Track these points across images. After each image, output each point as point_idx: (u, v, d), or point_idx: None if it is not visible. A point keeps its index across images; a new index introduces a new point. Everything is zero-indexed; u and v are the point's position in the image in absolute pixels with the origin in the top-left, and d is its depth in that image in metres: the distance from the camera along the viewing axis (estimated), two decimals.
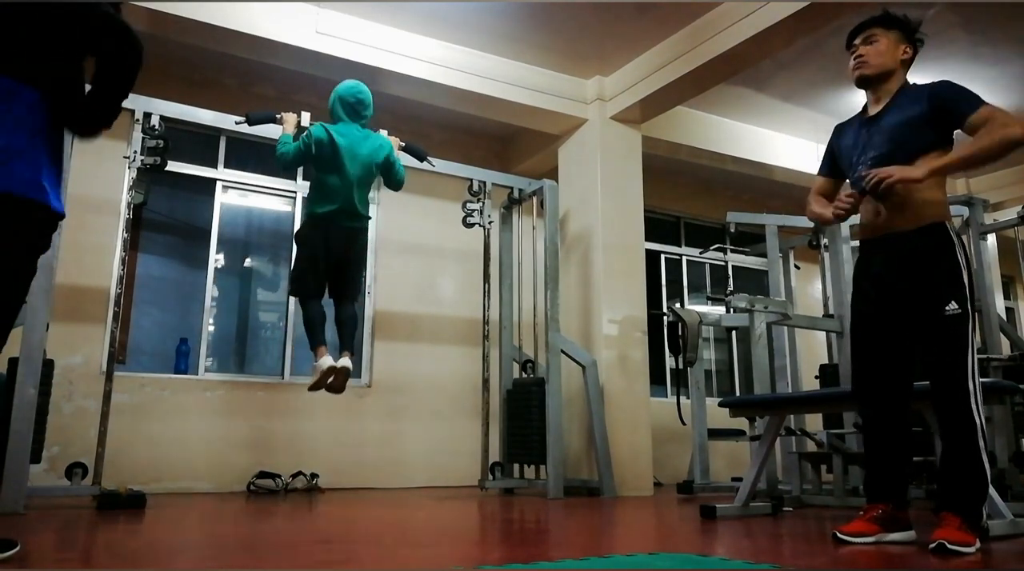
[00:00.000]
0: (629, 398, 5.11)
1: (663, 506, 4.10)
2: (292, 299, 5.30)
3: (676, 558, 2.04)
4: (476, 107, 5.44)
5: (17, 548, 1.87)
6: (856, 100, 5.68)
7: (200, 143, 5.42)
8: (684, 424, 5.33)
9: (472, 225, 5.32)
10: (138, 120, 4.01)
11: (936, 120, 2.39)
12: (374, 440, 5.51)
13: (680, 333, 4.90)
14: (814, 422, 5.17)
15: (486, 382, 5.21)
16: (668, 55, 5.02)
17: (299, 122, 4.29)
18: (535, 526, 3.10)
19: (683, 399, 5.39)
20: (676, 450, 6.13)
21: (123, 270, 3.99)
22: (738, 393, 7.31)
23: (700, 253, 6.90)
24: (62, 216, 1.97)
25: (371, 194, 4.31)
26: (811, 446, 4.63)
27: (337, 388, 3.89)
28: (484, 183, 5.31)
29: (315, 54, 4.70)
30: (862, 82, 2.59)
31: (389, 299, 5.91)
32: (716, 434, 5.40)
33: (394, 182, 4.24)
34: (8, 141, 1.82)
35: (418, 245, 6.10)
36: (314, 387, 3.89)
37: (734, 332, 7.39)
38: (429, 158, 4.82)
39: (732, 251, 6.42)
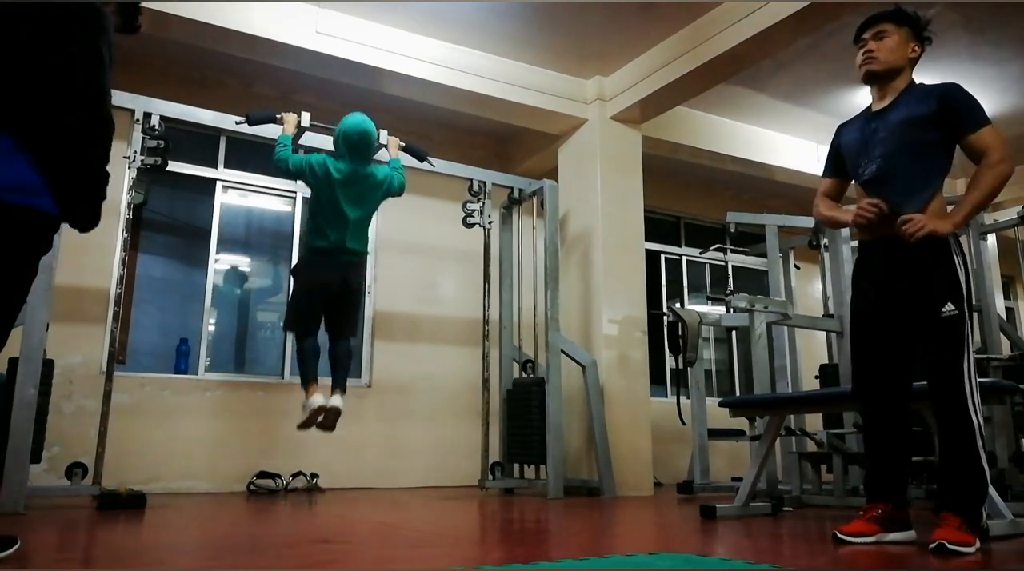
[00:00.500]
0: (629, 398, 5.11)
1: (663, 506, 4.10)
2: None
3: (676, 558, 2.04)
4: (476, 107, 5.44)
5: (18, 545, 1.87)
6: (856, 100, 5.73)
7: (200, 143, 5.42)
8: (684, 424, 5.33)
9: (472, 225, 5.32)
10: (138, 120, 4.02)
11: (943, 121, 2.39)
12: (374, 440, 5.50)
13: (680, 333, 4.90)
14: (814, 422, 5.17)
15: (486, 382, 5.21)
16: (668, 55, 5.02)
17: (299, 122, 4.29)
18: (535, 526, 3.10)
19: (683, 399, 5.39)
20: (676, 450, 6.13)
21: (123, 270, 3.99)
22: (738, 393, 7.31)
23: (700, 253, 6.90)
24: (54, 216, 1.91)
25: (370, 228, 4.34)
26: (811, 446, 4.63)
27: (327, 427, 3.83)
28: (484, 183, 5.31)
29: (315, 54, 4.69)
30: (869, 78, 2.57)
31: (389, 299, 5.91)
32: (716, 434, 5.40)
33: (396, 195, 4.27)
34: None
35: (418, 245, 6.10)
36: (303, 426, 3.82)
37: (734, 332, 7.39)
38: (429, 158, 4.83)
39: (732, 251, 6.42)
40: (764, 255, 5.59)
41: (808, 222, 5.37)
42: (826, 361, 5.45)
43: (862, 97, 5.63)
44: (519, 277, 5.50)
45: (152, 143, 4.01)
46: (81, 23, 1.88)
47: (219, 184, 5.49)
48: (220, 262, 5.53)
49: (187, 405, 4.97)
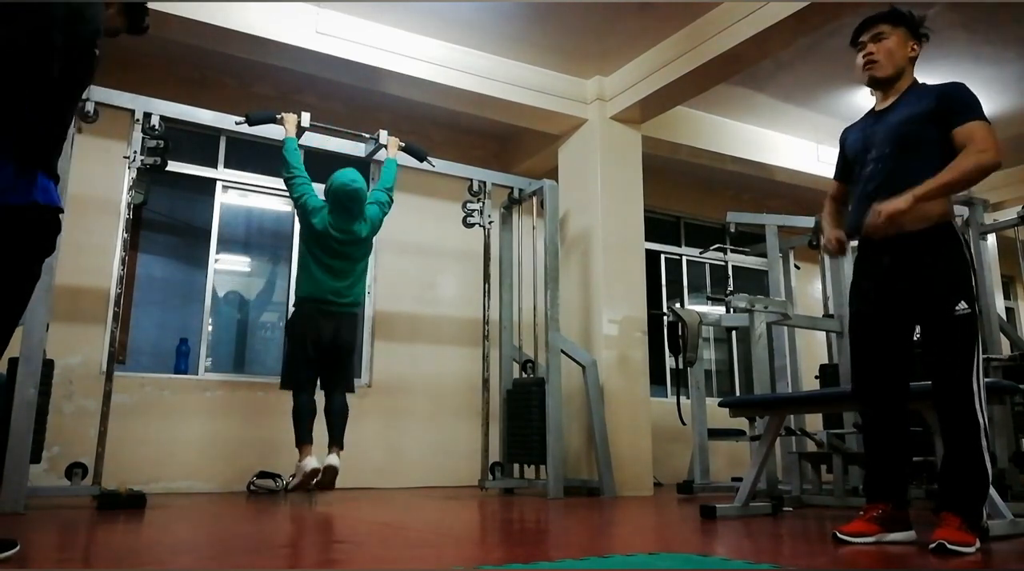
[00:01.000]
0: (629, 398, 5.11)
1: (663, 506, 4.10)
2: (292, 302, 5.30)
3: (676, 558, 2.04)
4: (476, 107, 5.44)
5: (17, 548, 1.87)
6: (856, 99, 5.73)
7: (200, 143, 5.42)
8: (684, 424, 5.33)
9: (472, 225, 5.32)
10: (138, 120, 4.01)
11: (940, 118, 2.38)
12: (374, 440, 5.50)
13: (680, 333, 4.90)
14: (814, 422, 5.17)
15: (486, 382, 5.20)
16: (668, 55, 5.02)
17: (299, 122, 4.30)
18: (535, 526, 3.10)
19: (683, 399, 5.40)
20: (676, 450, 6.13)
21: (123, 270, 3.99)
22: (738, 393, 7.31)
23: (700, 253, 6.90)
24: (50, 209, 1.88)
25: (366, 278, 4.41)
26: (811, 446, 4.63)
27: (325, 487, 3.77)
28: (484, 183, 5.31)
29: (315, 54, 4.69)
30: (873, 83, 2.57)
31: (389, 299, 5.91)
32: (716, 434, 5.40)
33: (384, 216, 4.37)
34: None
35: (418, 245, 6.10)
36: (296, 488, 3.75)
37: (734, 332, 7.39)
38: (429, 158, 4.83)
39: (732, 251, 6.42)
40: (764, 255, 5.59)
41: (808, 222, 5.37)
42: (826, 361, 5.45)
43: (862, 97, 5.64)
44: (519, 277, 5.50)
45: (152, 143, 4.00)
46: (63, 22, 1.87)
47: (219, 184, 5.49)
48: (220, 262, 5.53)
49: (187, 405, 4.97)
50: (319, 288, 3.97)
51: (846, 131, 2.72)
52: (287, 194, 4.36)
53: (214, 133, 5.39)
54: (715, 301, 7.00)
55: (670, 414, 5.51)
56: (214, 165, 5.51)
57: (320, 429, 3.93)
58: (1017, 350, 4.69)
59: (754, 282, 7.02)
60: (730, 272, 6.54)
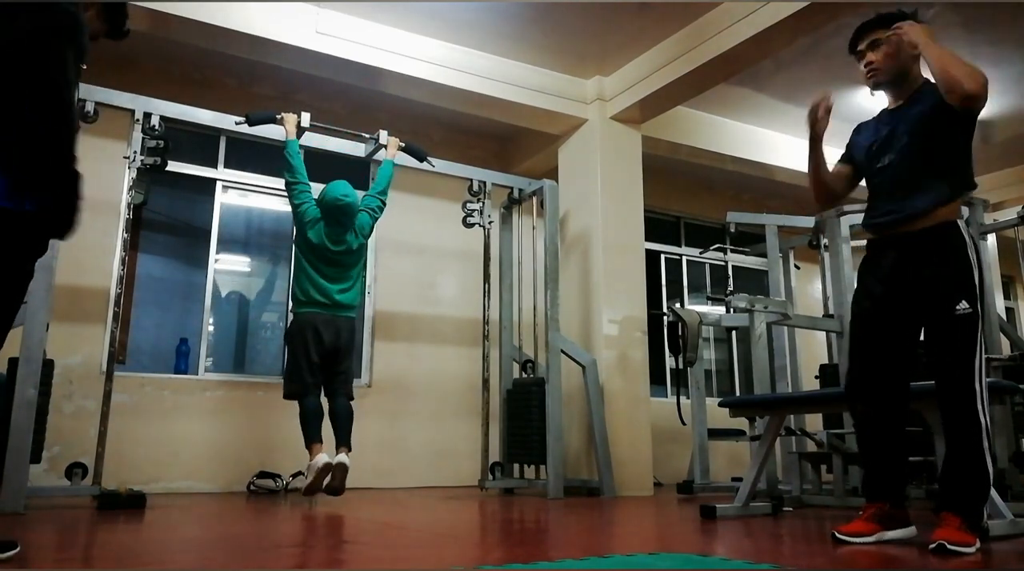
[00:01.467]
0: (629, 398, 5.11)
1: (663, 506, 4.10)
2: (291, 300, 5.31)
3: (676, 558, 2.04)
4: (476, 107, 5.44)
5: (17, 549, 1.87)
6: (856, 99, 5.73)
7: (200, 143, 5.42)
8: (684, 424, 5.33)
9: (472, 225, 5.32)
10: (138, 120, 4.01)
11: (946, 107, 2.37)
12: (374, 440, 5.50)
13: (680, 333, 4.91)
14: (814, 422, 5.17)
15: (486, 382, 5.20)
16: (668, 55, 5.02)
17: (299, 122, 4.30)
18: (535, 526, 3.10)
19: (683, 399, 5.40)
20: (676, 450, 6.13)
21: (123, 270, 3.99)
22: (738, 393, 7.31)
23: (700, 253, 6.90)
24: (25, 213, 1.86)
25: (362, 283, 4.43)
26: (811, 446, 4.63)
27: (336, 487, 3.75)
28: (484, 183, 5.31)
29: (315, 54, 4.69)
30: (879, 88, 2.59)
31: (389, 299, 5.91)
32: (716, 434, 5.40)
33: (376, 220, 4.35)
34: None
35: (418, 245, 6.10)
36: (309, 490, 3.71)
37: (734, 332, 7.39)
38: (429, 158, 4.83)
39: (732, 251, 6.42)
40: (764, 255, 5.59)
41: (808, 222, 5.37)
42: (826, 361, 5.46)
43: (862, 97, 5.63)
44: (519, 277, 5.50)
45: (152, 143, 4.01)
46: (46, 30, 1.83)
47: (219, 184, 5.49)
48: (220, 262, 5.53)
49: (187, 405, 4.97)
50: (316, 295, 3.98)
51: (859, 126, 2.73)
52: (287, 195, 4.36)
53: (214, 133, 5.38)
54: (715, 301, 7.00)
55: (670, 414, 5.51)
56: (214, 165, 5.51)
57: (325, 434, 3.94)
58: (1017, 350, 4.69)
59: (754, 282, 7.03)
60: (730, 272, 6.54)
